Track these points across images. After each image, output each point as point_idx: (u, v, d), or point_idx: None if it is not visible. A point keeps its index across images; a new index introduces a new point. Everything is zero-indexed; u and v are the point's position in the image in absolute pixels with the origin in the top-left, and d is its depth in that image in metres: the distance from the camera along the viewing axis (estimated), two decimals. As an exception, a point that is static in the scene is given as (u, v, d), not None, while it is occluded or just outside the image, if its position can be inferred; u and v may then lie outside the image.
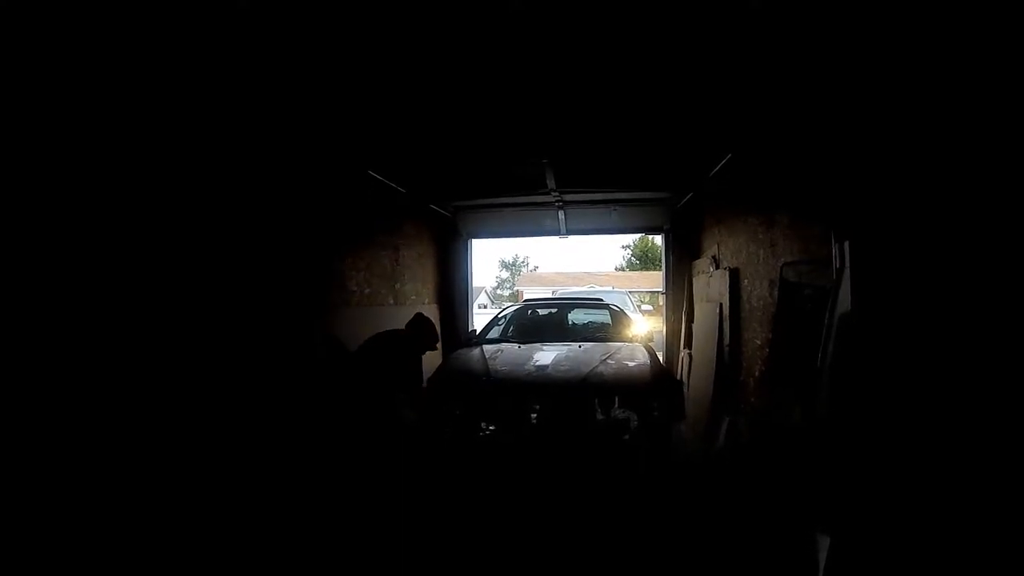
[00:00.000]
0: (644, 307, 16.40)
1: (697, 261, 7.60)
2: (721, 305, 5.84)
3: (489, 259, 73.51)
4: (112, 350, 2.69)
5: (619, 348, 5.36)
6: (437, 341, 4.97)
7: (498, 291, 54.19)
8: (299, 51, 3.13)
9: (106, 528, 2.53)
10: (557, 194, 7.55)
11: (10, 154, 2.25)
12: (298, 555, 3.24)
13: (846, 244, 2.53)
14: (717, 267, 6.31)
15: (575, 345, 5.50)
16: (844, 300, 2.47)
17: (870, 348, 2.30)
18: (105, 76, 2.65)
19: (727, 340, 5.65)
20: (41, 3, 2.28)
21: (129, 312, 2.81)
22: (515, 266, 58.91)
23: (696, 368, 6.83)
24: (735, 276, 5.56)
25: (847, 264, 2.49)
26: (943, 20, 2.21)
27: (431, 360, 6.20)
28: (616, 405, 4.29)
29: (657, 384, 4.54)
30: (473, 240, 9.41)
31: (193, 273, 3.29)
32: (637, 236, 42.29)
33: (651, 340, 6.93)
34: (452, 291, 9.00)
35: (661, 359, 6.71)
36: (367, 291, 5.89)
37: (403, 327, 4.79)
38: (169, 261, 3.11)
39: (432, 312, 8.19)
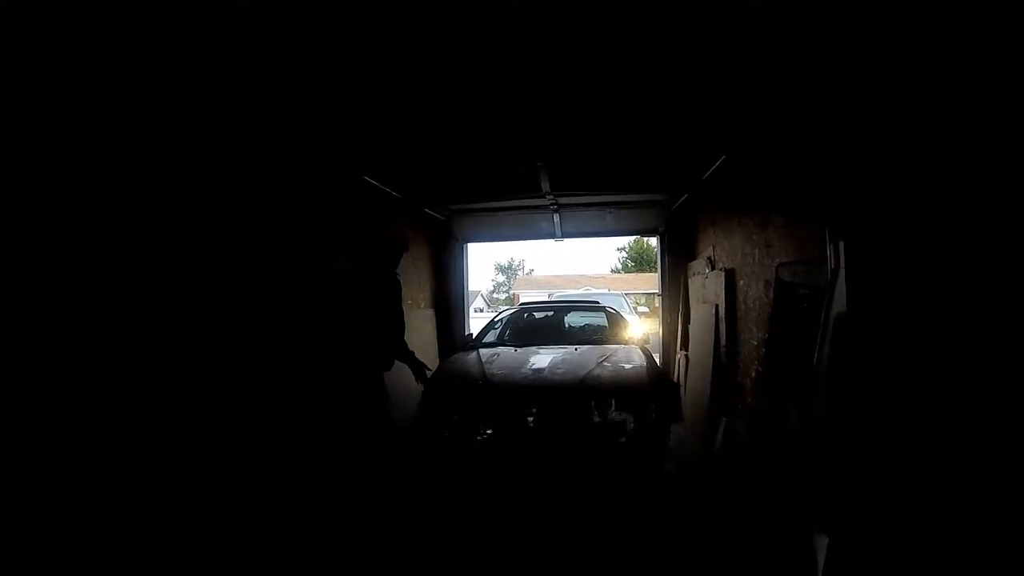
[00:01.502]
0: (640, 309, 16.43)
1: (693, 262, 7.61)
2: (717, 306, 5.85)
3: (485, 263, 73.72)
4: (115, 351, 2.68)
5: (615, 351, 5.36)
6: (407, 240, 4.38)
7: (494, 295, 54.28)
8: (296, 54, 3.12)
9: (106, 528, 2.52)
10: (552, 197, 7.56)
11: (8, 155, 2.25)
12: (297, 555, 3.23)
13: (840, 244, 2.53)
14: (713, 268, 6.32)
15: (571, 348, 5.51)
16: (839, 300, 2.48)
17: (865, 348, 2.30)
18: (104, 83, 2.64)
19: (723, 341, 5.65)
20: (41, 3, 2.28)
21: (135, 314, 2.81)
22: (511, 269, 59.02)
23: (693, 369, 6.83)
24: (731, 277, 5.57)
25: (841, 264, 2.49)
26: (936, 22, 2.22)
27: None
28: (612, 408, 4.29)
29: (653, 386, 4.54)
30: (469, 244, 9.40)
31: (197, 277, 3.28)
32: (633, 238, 42.45)
33: (647, 342, 6.95)
34: (448, 295, 8.98)
35: (657, 361, 6.72)
36: (363, 296, 5.88)
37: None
38: (176, 265, 3.11)
39: (428, 316, 8.18)
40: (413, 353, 4.34)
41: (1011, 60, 1.96)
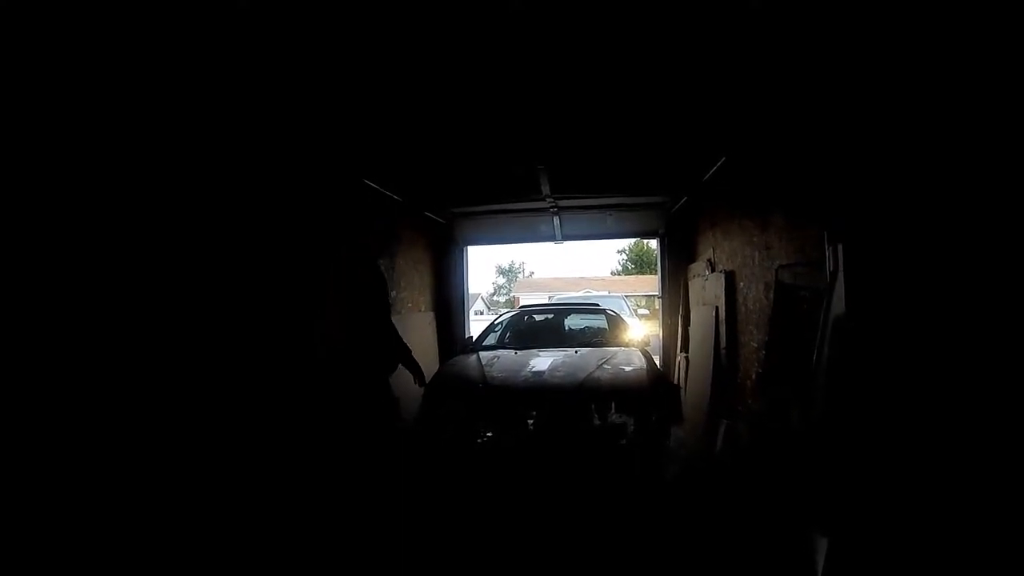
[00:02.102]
0: (640, 311, 16.44)
1: (693, 265, 7.62)
2: (717, 308, 5.85)
3: (486, 265, 73.65)
4: (115, 352, 2.68)
5: (615, 353, 5.36)
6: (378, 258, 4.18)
7: (495, 297, 54.25)
8: (296, 56, 3.13)
9: (105, 528, 2.52)
10: (552, 200, 7.57)
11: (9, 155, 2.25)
12: (297, 556, 3.24)
13: (839, 246, 2.54)
14: (713, 270, 6.32)
15: (571, 351, 5.51)
16: (838, 302, 2.48)
17: (863, 350, 2.30)
18: (104, 86, 2.65)
19: (723, 343, 5.66)
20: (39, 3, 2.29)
21: (136, 315, 2.81)
22: (511, 272, 58.99)
23: (693, 371, 6.83)
24: (731, 279, 5.57)
25: (840, 266, 2.50)
26: (935, 26, 2.23)
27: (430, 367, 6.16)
28: (612, 410, 4.29)
29: (653, 388, 4.54)
30: (469, 247, 9.41)
31: (194, 281, 3.29)
32: (633, 240, 42.44)
33: (647, 344, 6.94)
34: (448, 298, 8.99)
35: (658, 363, 6.72)
36: (363, 299, 5.88)
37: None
38: (172, 270, 3.11)
39: (429, 319, 8.18)
40: (412, 355, 4.33)
41: (1006, 66, 1.96)
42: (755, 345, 4.78)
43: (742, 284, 5.22)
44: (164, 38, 2.72)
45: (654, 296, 17.01)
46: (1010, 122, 1.99)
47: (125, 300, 2.78)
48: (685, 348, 7.60)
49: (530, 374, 4.81)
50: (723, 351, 5.67)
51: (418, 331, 7.57)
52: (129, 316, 2.79)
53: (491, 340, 6.50)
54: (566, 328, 7.25)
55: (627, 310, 12.51)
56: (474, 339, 6.67)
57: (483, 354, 5.53)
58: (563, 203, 7.93)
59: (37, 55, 2.34)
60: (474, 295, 32.82)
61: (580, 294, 20.66)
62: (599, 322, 7.31)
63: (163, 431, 2.91)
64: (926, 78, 2.30)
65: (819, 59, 2.98)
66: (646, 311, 17.87)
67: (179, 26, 2.66)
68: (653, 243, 11.90)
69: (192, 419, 3.12)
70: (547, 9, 2.73)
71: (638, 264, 44.83)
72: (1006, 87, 1.99)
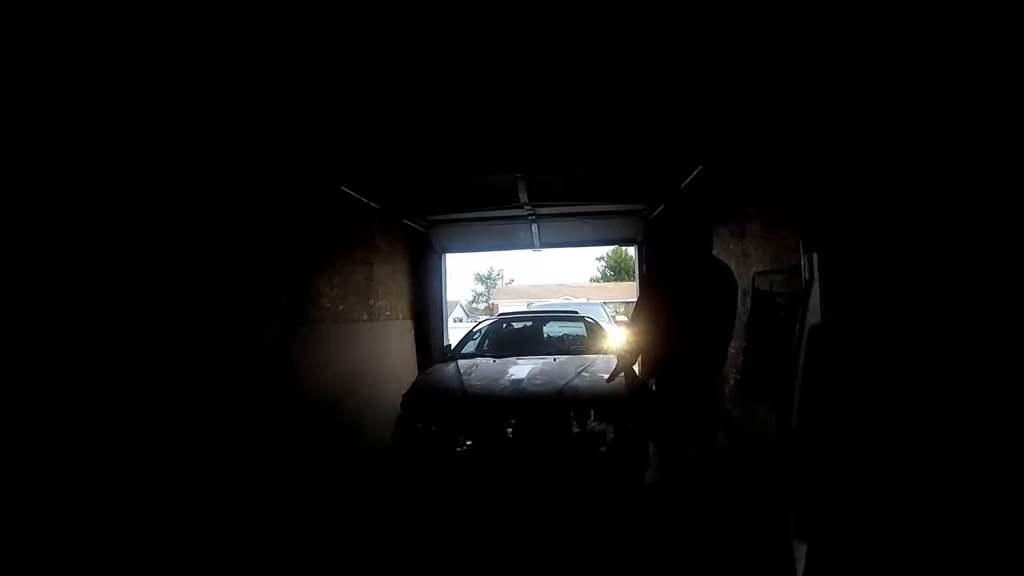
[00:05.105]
0: (619, 318, 16.51)
1: (670, 272, 7.64)
2: (694, 315, 5.87)
3: (464, 273, 73.50)
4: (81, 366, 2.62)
5: (594, 360, 5.37)
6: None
7: (473, 305, 54.10)
8: (268, 55, 3.07)
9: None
10: (530, 208, 7.58)
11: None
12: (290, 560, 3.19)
13: (814, 255, 2.56)
14: (690, 278, 6.35)
15: (550, 358, 5.51)
16: (813, 310, 2.50)
17: (838, 358, 2.32)
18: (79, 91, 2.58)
19: (701, 350, 5.67)
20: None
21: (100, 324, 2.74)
22: (490, 280, 58.93)
23: (671, 378, 6.84)
24: (707, 286, 5.60)
25: (815, 275, 2.52)
26: (907, 37, 2.26)
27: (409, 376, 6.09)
28: (592, 417, 4.29)
29: (632, 396, 4.55)
30: (447, 254, 9.38)
31: (173, 286, 3.21)
32: (611, 248, 42.69)
33: (626, 351, 6.96)
34: (427, 305, 8.94)
35: (636, 370, 6.73)
36: (341, 307, 5.83)
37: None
38: (149, 272, 3.03)
39: (407, 327, 8.13)
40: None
41: (974, 80, 2.00)
42: (732, 351, 4.81)
43: (719, 291, 5.26)
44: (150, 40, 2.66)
45: (633, 303, 17.10)
46: (983, 127, 2.02)
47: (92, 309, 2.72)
48: (663, 355, 7.62)
49: (509, 382, 4.80)
50: (701, 358, 5.68)
51: (397, 339, 7.52)
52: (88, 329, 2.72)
53: (470, 348, 6.48)
54: (545, 336, 7.24)
55: (606, 317, 12.55)
56: (453, 347, 6.63)
57: (462, 362, 5.50)
58: (541, 211, 7.94)
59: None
60: (453, 302, 32.75)
61: (559, 301, 20.70)
62: (578, 330, 7.31)
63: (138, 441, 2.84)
64: (897, 89, 2.34)
65: (794, 72, 3.02)
66: (625, 318, 17.94)
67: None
68: (631, 250, 11.97)
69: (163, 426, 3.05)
70: (533, 16, 2.74)
71: (617, 271, 45.13)
72: (977, 97, 2.03)
